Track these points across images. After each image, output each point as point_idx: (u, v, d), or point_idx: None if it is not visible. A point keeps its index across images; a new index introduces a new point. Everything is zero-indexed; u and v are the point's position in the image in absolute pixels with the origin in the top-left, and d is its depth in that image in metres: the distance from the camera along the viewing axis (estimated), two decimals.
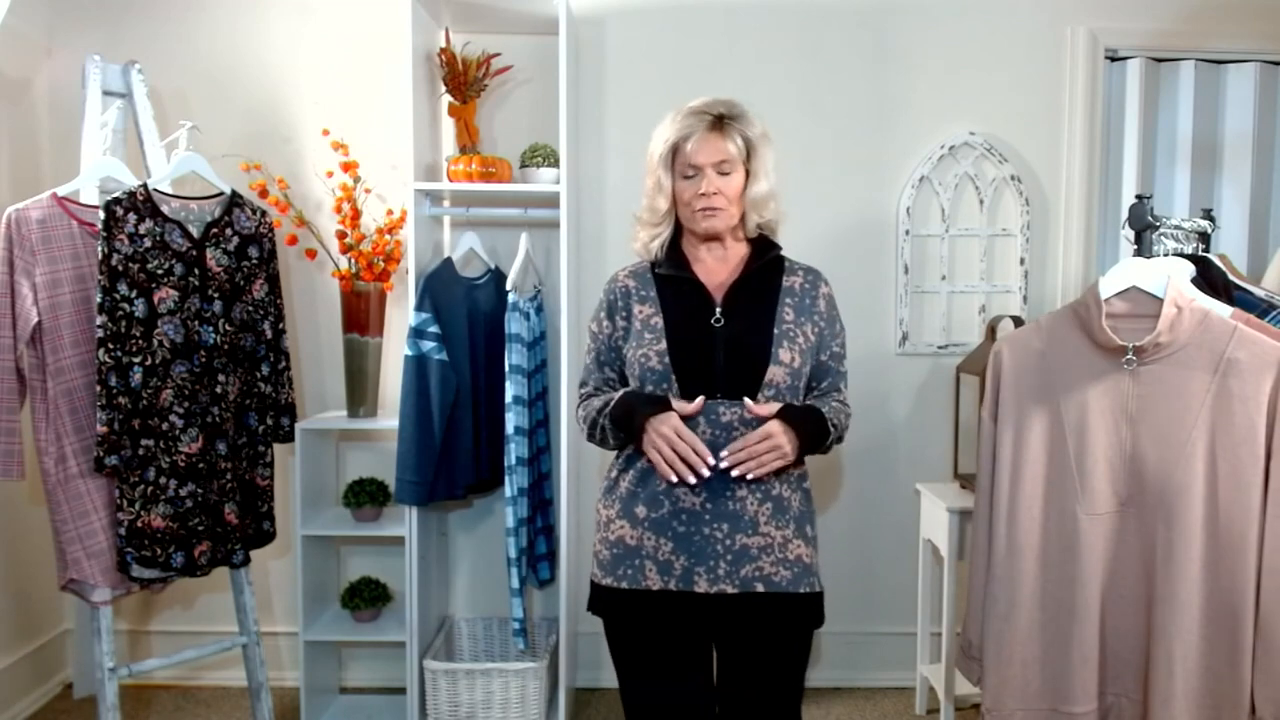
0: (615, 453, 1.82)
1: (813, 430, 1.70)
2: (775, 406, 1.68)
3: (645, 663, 1.75)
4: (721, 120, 1.74)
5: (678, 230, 1.82)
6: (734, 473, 1.64)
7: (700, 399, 1.66)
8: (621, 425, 1.71)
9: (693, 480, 1.63)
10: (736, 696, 1.76)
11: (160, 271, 2.23)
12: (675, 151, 1.74)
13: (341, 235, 2.72)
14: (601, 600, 1.76)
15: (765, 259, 1.80)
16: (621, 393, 1.75)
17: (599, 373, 1.84)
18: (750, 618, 1.69)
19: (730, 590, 1.67)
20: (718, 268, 1.80)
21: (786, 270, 1.83)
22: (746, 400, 1.67)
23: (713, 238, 1.79)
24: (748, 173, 1.76)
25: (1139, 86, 2.92)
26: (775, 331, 1.73)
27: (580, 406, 1.84)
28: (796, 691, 1.78)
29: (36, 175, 2.84)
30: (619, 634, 1.77)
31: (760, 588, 1.68)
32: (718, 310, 1.74)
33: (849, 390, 1.87)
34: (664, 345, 1.72)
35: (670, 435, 1.63)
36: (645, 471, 1.71)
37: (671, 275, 1.79)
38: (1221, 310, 1.83)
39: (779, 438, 1.64)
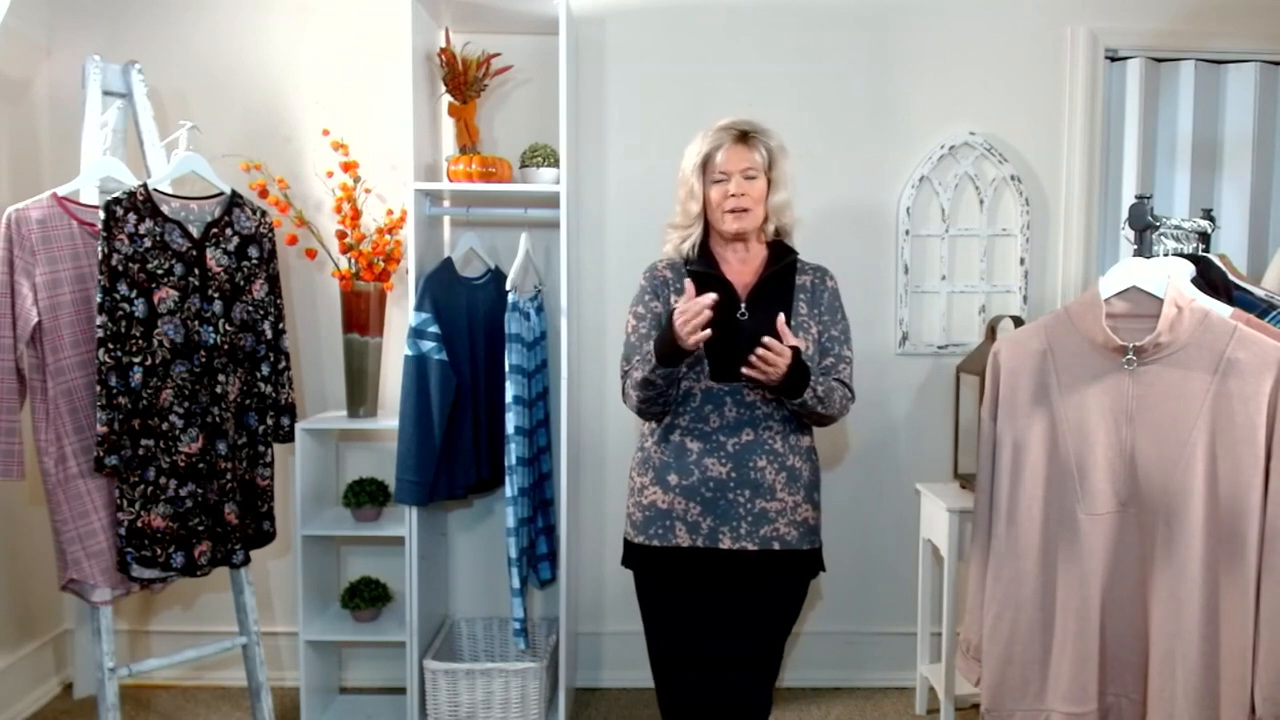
0: (648, 428, 2.04)
1: (797, 379, 1.85)
2: (799, 344, 1.86)
3: (670, 611, 2.00)
4: (746, 134, 2.00)
5: (706, 235, 2.05)
6: (759, 352, 1.77)
7: (711, 295, 1.77)
8: (666, 354, 1.83)
9: (714, 297, 1.77)
10: (739, 633, 1.97)
11: (160, 271, 2.23)
12: (707, 161, 2.00)
13: (341, 235, 2.72)
14: (634, 556, 2.03)
15: (782, 263, 2.04)
16: (649, 348, 1.91)
17: (648, 345, 1.94)
18: (764, 570, 1.96)
19: (751, 547, 1.95)
20: (741, 269, 2.04)
21: (799, 270, 2.08)
22: (781, 319, 1.82)
23: (739, 239, 2.02)
24: (769, 181, 2.02)
25: (1139, 86, 2.92)
26: (791, 324, 1.94)
27: (627, 378, 1.99)
28: (787, 631, 2.05)
29: (36, 175, 2.84)
30: (649, 587, 2.03)
31: (776, 546, 1.96)
32: (742, 306, 1.99)
33: (856, 381, 2.06)
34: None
35: (680, 315, 1.76)
36: (678, 446, 1.98)
37: (702, 272, 1.99)
38: (1221, 310, 1.82)
39: (782, 362, 1.79)
